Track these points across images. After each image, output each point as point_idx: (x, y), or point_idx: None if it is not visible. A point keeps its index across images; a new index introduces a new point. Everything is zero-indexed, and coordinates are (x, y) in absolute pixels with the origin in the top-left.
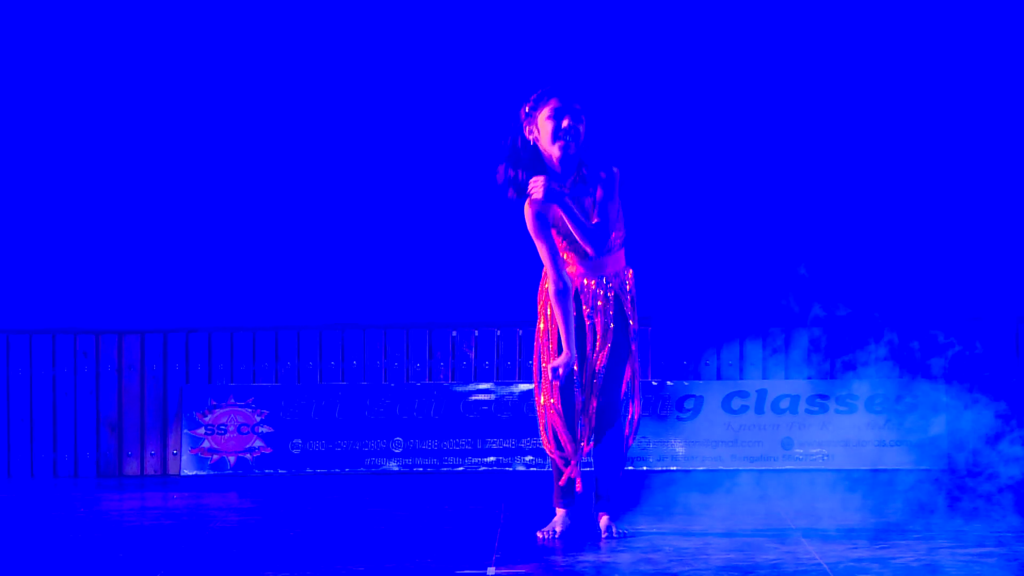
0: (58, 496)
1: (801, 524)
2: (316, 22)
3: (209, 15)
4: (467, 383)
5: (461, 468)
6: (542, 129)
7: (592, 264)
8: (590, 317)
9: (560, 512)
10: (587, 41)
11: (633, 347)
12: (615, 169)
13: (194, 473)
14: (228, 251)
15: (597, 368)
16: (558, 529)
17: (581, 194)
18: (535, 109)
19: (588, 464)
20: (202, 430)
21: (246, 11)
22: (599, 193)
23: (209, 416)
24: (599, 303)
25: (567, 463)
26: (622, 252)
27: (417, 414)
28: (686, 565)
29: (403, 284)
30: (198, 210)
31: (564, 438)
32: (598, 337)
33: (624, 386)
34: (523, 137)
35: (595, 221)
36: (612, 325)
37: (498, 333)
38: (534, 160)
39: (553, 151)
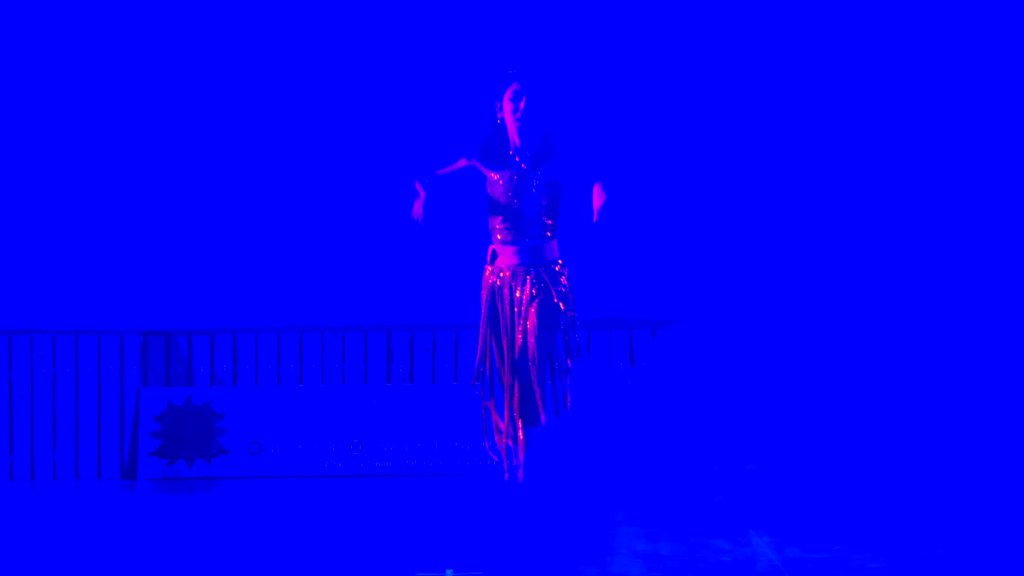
0: (19, 499)
1: (760, 525)
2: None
3: (213, 15)
4: (426, 385)
5: (420, 471)
6: (505, 109)
7: (524, 250)
8: (519, 300)
9: None
10: (573, 34)
11: (563, 334)
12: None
13: (151, 477)
14: (182, 253)
15: (519, 349)
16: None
17: (530, 175)
18: (502, 91)
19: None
20: (160, 432)
21: (246, 12)
22: (543, 182)
23: (167, 418)
24: (528, 288)
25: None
26: (554, 243)
27: (376, 417)
28: (644, 568)
29: (361, 286)
30: (159, 209)
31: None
32: (522, 319)
33: (550, 371)
34: (495, 114)
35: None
36: (537, 310)
37: (457, 335)
38: (501, 136)
39: (511, 127)
